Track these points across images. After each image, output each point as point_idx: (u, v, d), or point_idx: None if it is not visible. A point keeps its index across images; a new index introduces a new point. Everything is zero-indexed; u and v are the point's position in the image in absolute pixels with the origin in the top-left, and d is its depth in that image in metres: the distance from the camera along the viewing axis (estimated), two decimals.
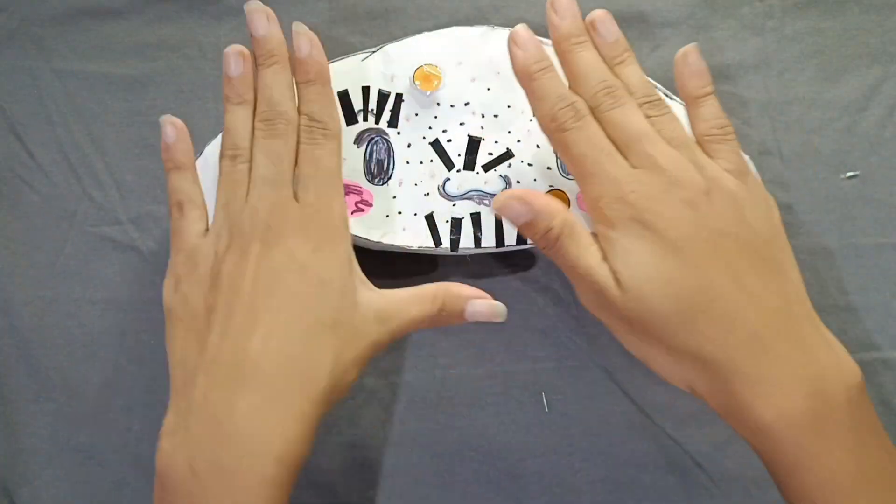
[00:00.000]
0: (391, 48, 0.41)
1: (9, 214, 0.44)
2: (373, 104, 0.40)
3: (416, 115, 0.40)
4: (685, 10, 0.45)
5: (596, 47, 0.36)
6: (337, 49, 0.44)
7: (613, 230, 0.33)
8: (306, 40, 0.36)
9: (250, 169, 0.35)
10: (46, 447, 0.42)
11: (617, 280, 0.32)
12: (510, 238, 0.40)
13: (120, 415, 0.42)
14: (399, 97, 0.40)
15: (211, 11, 0.45)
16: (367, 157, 0.40)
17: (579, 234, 0.34)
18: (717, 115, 0.36)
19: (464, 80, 0.40)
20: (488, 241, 0.40)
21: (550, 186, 0.40)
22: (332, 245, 0.34)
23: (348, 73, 0.40)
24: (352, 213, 0.39)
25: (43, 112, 0.44)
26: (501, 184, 0.40)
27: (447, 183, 0.40)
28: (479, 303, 0.36)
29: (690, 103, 0.36)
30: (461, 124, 0.40)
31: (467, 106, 0.40)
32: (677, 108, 0.41)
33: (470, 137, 0.40)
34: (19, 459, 0.42)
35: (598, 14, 0.36)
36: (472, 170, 0.40)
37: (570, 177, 0.40)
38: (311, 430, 0.32)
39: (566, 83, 0.36)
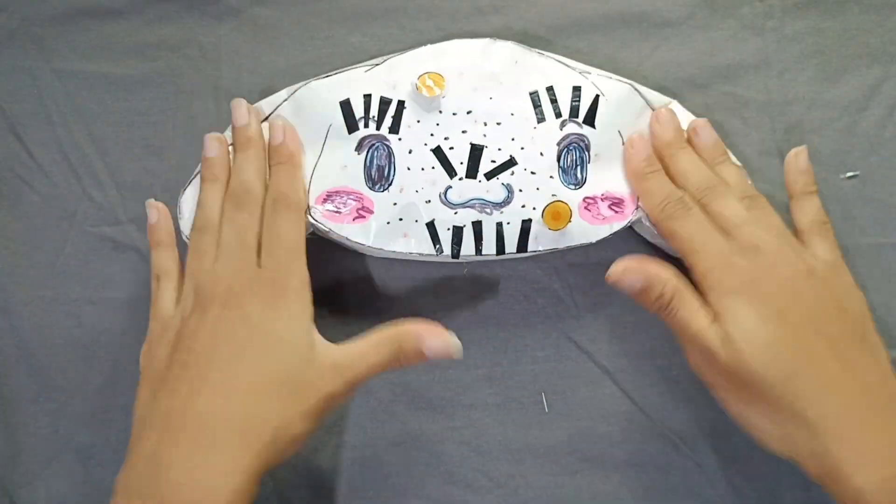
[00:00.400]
0: (394, 60, 0.40)
1: (9, 214, 0.44)
2: (374, 111, 0.40)
3: (418, 121, 0.40)
4: (685, 10, 0.45)
5: (696, 150, 0.41)
6: (336, 49, 0.44)
7: (725, 296, 0.35)
8: (281, 130, 0.40)
9: (218, 241, 0.38)
10: (46, 447, 0.42)
11: (727, 341, 0.35)
12: (510, 246, 0.40)
13: (120, 415, 0.42)
14: (401, 104, 0.40)
15: (211, 11, 0.45)
16: (368, 164, 0.40)
17: (689, 298, 0.36)
18: (819, 212, 0.39)
19: (466, 89, 0.40)
20: (489, 248, 0.40)
21: (553, 196, 0.40)
22: (287, 305, 0.36)
23: (350, 83, 0.40)
24: (353, 220, 0.39)
25: (43, 112, 0.44)
26: (504, 192, 0.40)
27: (449, 191, 0.40)
28: (434, 340, 0.36)
29: (795, 197, 0.40)
30: (463, 132, 0.40)
31: (469, 114, 0.40)
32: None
33: (472, 145, 0.40)
34: (19, 459, 0.42)
35: (700, 122, 0.41)
36: (475, 178, 0.40)
37: (571, 186, 0.40)
38: (253, 481, 0.33)
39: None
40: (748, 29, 0.45)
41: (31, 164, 0.44)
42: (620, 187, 0.41)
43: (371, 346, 0.36)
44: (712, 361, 0.35)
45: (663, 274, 0.36)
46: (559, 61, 0.41)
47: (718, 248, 0.37)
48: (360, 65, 0.41)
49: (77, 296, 0.43)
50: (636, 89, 0.41)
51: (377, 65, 0.40)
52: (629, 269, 0.37)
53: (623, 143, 0.41)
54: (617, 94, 0.41)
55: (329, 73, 0.41)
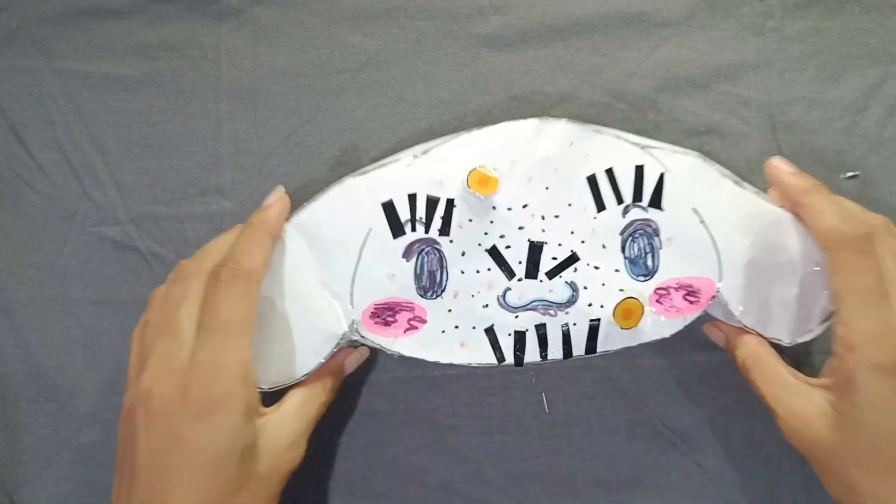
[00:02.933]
0: (437, 151, 0.37)
1: (9, 214, 0.44)
2: (421, 212, 0.36)
3: (470, 220, 0.37)
4: (685, 10, 0.45)
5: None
6: (336, 49, 0.44)
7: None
8: (274, 196, 0.38)
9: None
10: (46, 447, 0.42)
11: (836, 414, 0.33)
12: (578, 349, 0.37)
13: (120, 415, 0.42)
14: (450, 203, 0.36)
15: (211, 11, 0.45)
16: (418, 270, 0.37)
17: (765, 364, 0.36)
18: None
19: (520, 180, 0.36)
20: (555, 353, 0.37)
21: (621, 291, 0.37)
22: (217, 413, 0.32)
23: (392, 182, 0.37)
24: (405, 332, 0.37)
25: (43, 112, 0.44)
26: (568, 291, 0.37)
27: (508, 293, 0.37)
28: (350, 360, 0.40)
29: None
30: (520, 228, 0.37)
31: (525, 208, 0.37)
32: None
33: (531, 242, 0.37)
34: (19, 459, 0.42)
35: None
36: (535, 277, 0.37)
37: (641, 278, 0.37)
38: None
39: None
40: (748, 29, 0.45)
41: (31, 164, 0.44)
42: (698, 271, 0.37)
43: (307, 400, 0.36)
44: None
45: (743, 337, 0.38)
46: (618, 136, 0.37)
47: None
48: (400, 155, 0.37)
49: (77, 296, 0.43)
50: (706, 160, 0.38)
51: (416, 157, 0.37)
52: (713, 329, 0.39)
53: (702, 222, 0.37)
54: (685, 168, 0.37)
55: (366, 169, 0.37)
